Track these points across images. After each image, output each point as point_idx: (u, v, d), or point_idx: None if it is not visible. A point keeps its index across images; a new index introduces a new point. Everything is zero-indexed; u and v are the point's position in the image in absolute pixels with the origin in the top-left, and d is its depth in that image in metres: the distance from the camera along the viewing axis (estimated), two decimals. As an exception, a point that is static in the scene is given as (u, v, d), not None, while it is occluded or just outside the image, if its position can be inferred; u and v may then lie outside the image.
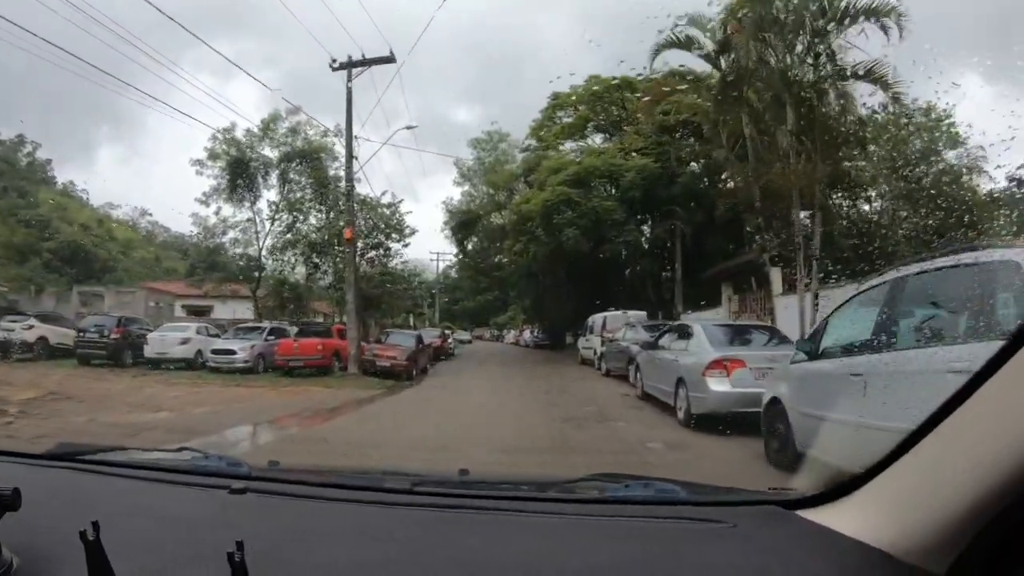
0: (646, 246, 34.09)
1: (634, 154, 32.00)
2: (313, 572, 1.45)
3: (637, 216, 33.10)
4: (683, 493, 2.01)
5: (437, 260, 68.28)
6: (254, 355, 24.76)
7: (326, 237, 32.63)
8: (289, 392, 19.34)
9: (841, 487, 1.59)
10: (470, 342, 68.28)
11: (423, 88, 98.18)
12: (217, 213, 34.85)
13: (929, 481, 1.30)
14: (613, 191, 32.15)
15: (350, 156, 25.33)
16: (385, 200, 34.23)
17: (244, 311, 38.01)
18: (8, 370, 21.41)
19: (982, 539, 1.17)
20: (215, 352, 24.93)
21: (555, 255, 34.17)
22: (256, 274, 35.81)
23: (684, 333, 13.83)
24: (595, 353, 26.84)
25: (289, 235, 34.65)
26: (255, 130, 33.66)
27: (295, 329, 27.94)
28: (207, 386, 19.99)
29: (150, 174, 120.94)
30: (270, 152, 34.20)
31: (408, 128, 27.41)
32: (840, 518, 1.51)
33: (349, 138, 25.15)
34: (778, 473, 7.87)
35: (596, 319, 28.20)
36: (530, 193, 35.24)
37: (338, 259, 28.87)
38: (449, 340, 43.46)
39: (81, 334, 26.17)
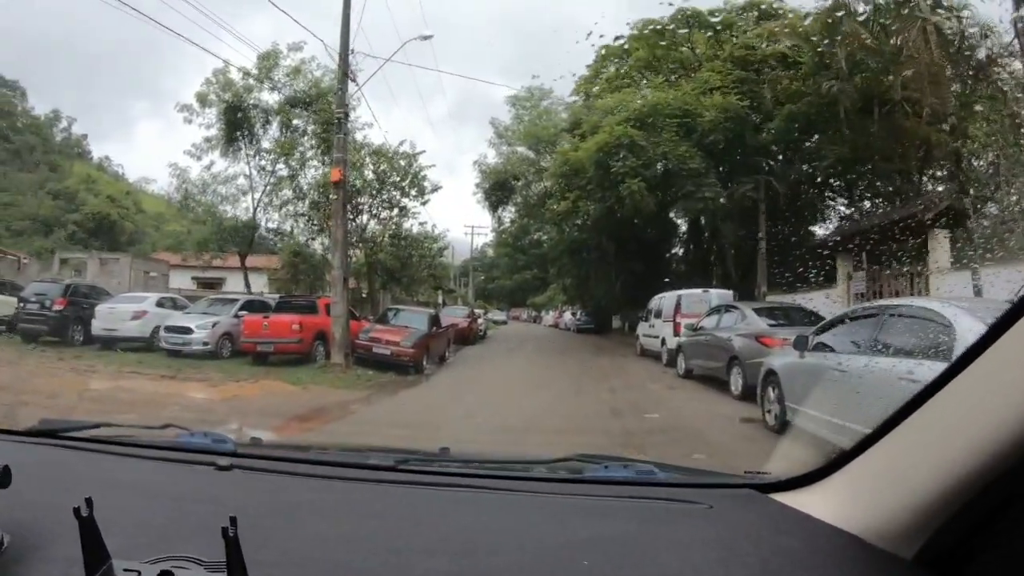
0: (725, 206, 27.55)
1: (713, 93, 25.74)
2: (300, 546, 1.47)
3: (718, 167, 26.59)
4: (661, 474, 2.01)
5: (472, 234, 64.45)
6: (216, 335, 19.81)
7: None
8: (233, 389, 14.16)
9: (815, 472, 1.64)
10: (505, 323, 64.12)
11: (459, 63, 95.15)
12: (209, 168, 30.27)
13: (898, 468, 1.34)
14: (687, 136, 25.66)
15: (344, 74, 19.29)
16: (403, 150, 28.54)
17: (261, 285, 34.69)
18: None
19: (949, 525, 1.21)
20: (168, 330, 19.88)
21: (610, 216, 27.81)
22: (251, 239, 31.11)
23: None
24: (663, 344, 20.79)
25: (289, 191, 29.67)
26: (252, 70, 28.48)
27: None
28: (131, 377, 15.25)
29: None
30: (268, 96, 29.45)
31: (424, 38, 20.19)
32: (813, 502, 1.58)
33: (345, 49, 19.09)
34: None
35: (666, 300, 22.11)
36: (580, 141, 28.75)
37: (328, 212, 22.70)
38: (479, 321, 38.24)
39: (22, 305, 21.85)
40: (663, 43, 29.79)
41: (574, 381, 17.07)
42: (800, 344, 9.15)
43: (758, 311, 15.13)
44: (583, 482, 2.00)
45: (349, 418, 11.80)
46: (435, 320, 22.12)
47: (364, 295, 30.83)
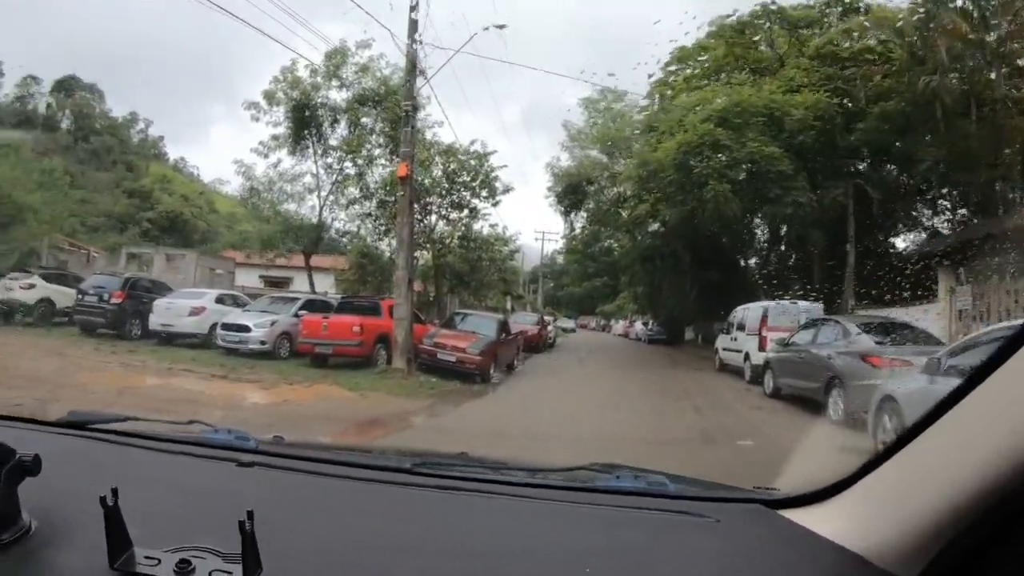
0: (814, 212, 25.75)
1: (800, 91, 24.43)
2: (314, 542, 1.48)
3: (806, 168, 24.95)
4: (672, 487, 2.02)
5: (542, 240, 61.65)
6: (274, 334, 19.11)
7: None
8: (285, 393, 13.47)
9: (826, 489, 1.61)
10: (574, 331, 62.03)
11: (532, 71, 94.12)
12: (276, 166, 30.03)
13: (905, 487, 1.34)
14: (774, 136, 24.24)
15: (413, 66, 18.50)
16: (475, 150, 27.91)
17: (328, 286, 33.70)
18: None
19: (953, 545, 1.19)
20: (225, 327, 19.28)
21: (689, 221, 26.41)
22: (317, 238, 30.93)
23: None
24: (747, 359, 19.33)
25: (355, 190, 29.48)
26: (319, 67, 28.31)
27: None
28: (180, 375, 14.81)
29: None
30: (336, 95, 29.21)
31: (497, 27, 19.21)
32: (820, 519, 1.54)
33: (412, 40, 18.40)
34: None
35: (750, 311, 20.61)
36: (657, 142, 27.47)
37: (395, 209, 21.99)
38: (549, 328, 36.54)
39: (81, 297, 21.74)
40: (742, 41, 28.94)
41: (655, 397, 15.74)
42: (932, 367, 7.87)
43: (862, 327, 13.68)
44: (595, 491, 1.95)
45: (407, 432, 10.87)
46: (504, 326, 21.00)
47: (431, 298, 30.23)
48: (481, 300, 37.00)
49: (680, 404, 14.56)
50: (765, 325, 18.74)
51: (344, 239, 33.81)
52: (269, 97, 28.59)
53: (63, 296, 23.00)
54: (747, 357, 19.26)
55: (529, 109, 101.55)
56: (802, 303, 19.96)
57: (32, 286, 23.10)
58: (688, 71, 31.53)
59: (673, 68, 32.15)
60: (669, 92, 31.60)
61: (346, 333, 17.68)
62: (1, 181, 31.99)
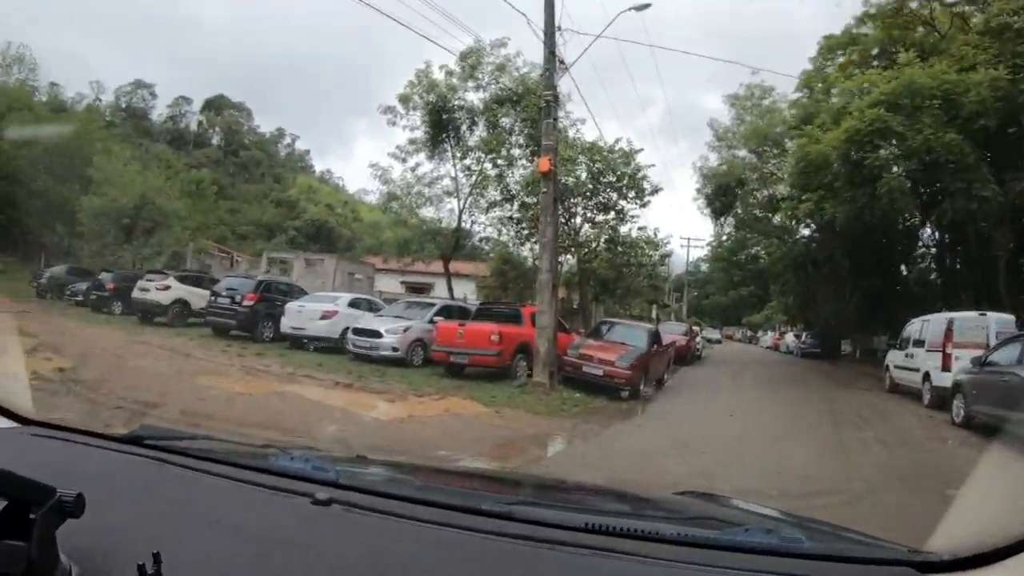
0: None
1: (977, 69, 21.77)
2: None
3: (989, 158, 22.19)
4: (808, 544, 1.82)
5: (687, 246, 60.49)
6: (407, 341, 18.18)
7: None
8: (411, 406, 12.42)
9: (992, 553, 1.45)
10: (719, 342, 60.19)
11: (667, 74, 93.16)
12: (414, 170, 29.88)
13: None
14: (950, 121, 21.64)
15: (552, 53, 17.23)
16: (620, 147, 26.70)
17: (469, 293, 33.67)
18: (89, 332, 19.12)
19: None
20: (356, 332, 18.60)
21: (858, 220, 23.97)
22: (455, 242, 30.47)
23: None
24: (926, 380, 17.04)
25: (495, 192, 28.81)
26: (455, 69, 27.95)
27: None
28: (302, 382, 14.21)
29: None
30: (473, 96, 28.68)
31: (640, 8, 17.79)
32: None
33: (550, 25, 17.10)
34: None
35: (931, 324, 18.14)
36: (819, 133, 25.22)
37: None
38: (697, 339, 34.56)
39: (213, 298, 21.99)
40: (899, 22, 27.17)
41: (828, 427, 13.69)
42: None
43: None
44: (716, 548, 1.66)
45: (542, 460, 9.52)
46: (656, 337, 19.47)
47: (575, 306, 29.27)
48: (626, 308, 36.05)
49: (861, 435, 12.44)
50: (950, 341, 16.36)
51: (486, 245, 33.52)
52: (405, 101, 28.42)
53: (198, 298, 23.30)
54: (927, 377, 17.02)
55: (668, 114, 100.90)
56: (991, 314, 17.22)
57: (168, 287, 23.63)
58: (843, 58, 29.98)
59: (822, 60, 31.03)
60: (820, 84, 30.42)
61: (484, 342, 16.49)
62: (146, 189, 33.62)
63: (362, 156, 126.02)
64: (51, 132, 38.12)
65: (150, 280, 24.07)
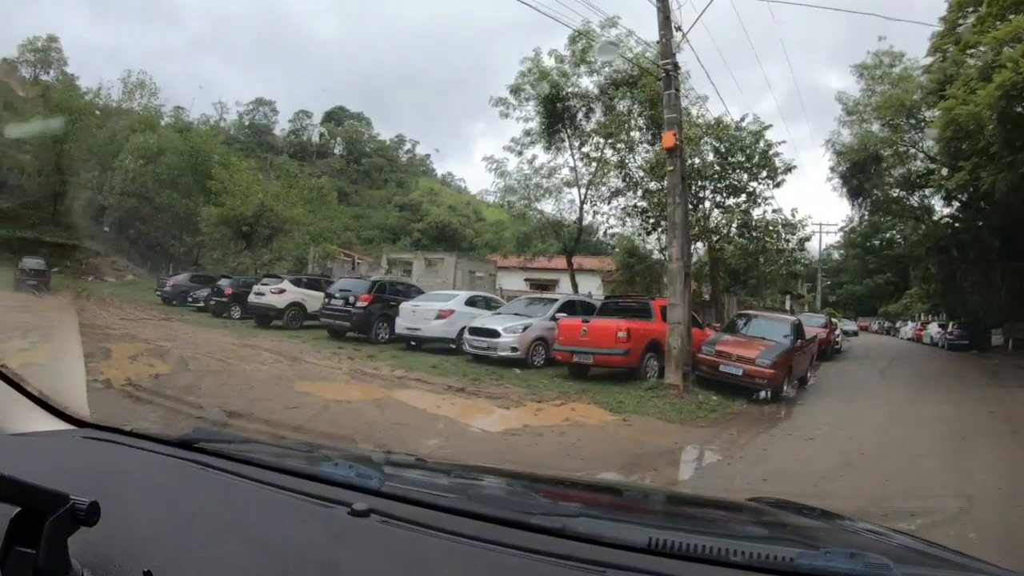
0: None
1: None
2: None
3: None
4: (896, 570, 1.49)
5: (820, 232, 56.65)
6: (527, 340, 17.03)
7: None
8: (528, 414, 11.07)
9: None
10: (855, 334, 56.42)
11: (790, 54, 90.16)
12: (531, 161, 29.12)
13: None
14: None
15: (667, 18, 15.55)
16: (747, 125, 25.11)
17: (595, 288, 32.56)
18: (205, 336, 18.98)
19: None
20: (473, 332, 17.70)
21: (1018, 191, 21.31)
22: (577, 235, 29.31)
23: None
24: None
25: (617, 180, 27.41)
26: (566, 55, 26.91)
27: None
28: (412, 387, 13.03)
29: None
30: (587, 81, 27.44)
31: None
32: None
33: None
34: None
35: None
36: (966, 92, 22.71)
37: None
38: (836, 331, 32.04)
39: (328, 300, 21.83)
40: None
41: (1008, 436, 11.14)
42: None
43: None
44: (797, 575, 1.48)
45: (678, 486, 7.71)
46: (799, 329, 17.39)
47: (706, 298, 27.25)
48: (760, 299, 34.08)
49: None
50: None
51: (611, 240, 32.54)
52: (516, 91, 27.66)
53: (314, 300, 23.19)
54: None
55: (791, 93, 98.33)
56: None
57: (283, 291, 23.74)
58: (980, 10, 27.14)
59: (953, 17, 28.79)
60: (952, 47, 28.12)
61: (609, 340, 14.96)
62: (265, 197, 34.70)
63: (481, 157, 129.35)
64: (173, 149, 40.24)
65: (265, 284, 24.33)
